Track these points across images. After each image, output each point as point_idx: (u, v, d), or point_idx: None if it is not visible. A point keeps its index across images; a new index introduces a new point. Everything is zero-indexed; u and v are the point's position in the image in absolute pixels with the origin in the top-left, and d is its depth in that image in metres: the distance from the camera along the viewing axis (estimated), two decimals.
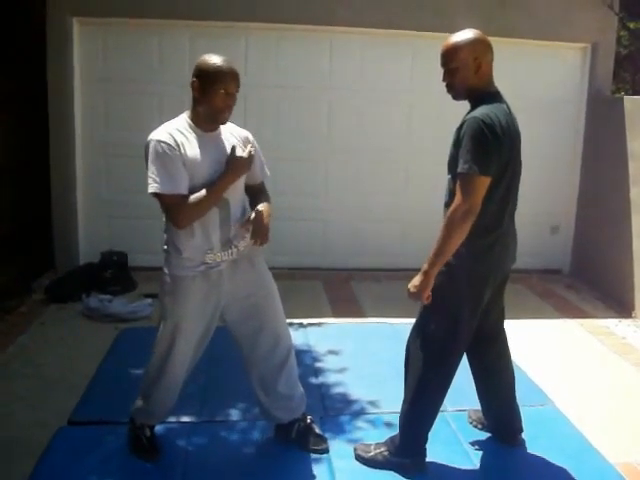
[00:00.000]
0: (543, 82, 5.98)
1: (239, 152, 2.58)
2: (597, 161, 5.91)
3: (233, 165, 2.54)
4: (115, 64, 5.60)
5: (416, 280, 2.59)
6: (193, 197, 2.51)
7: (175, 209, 2.51)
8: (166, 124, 2.58)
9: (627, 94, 7.86)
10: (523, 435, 3.10)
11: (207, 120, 2.58)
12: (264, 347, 2.84)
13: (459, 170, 2.50)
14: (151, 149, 2.50)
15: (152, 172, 2.49)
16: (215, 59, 2.53)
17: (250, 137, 2.79)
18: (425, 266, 2.56)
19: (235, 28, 5.59)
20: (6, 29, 5.88)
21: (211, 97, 2.51)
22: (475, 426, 3.22)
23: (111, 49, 5.59)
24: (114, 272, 5.30)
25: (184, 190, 2.51)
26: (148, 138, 2.54)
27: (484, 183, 2.49)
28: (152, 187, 2.49)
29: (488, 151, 2.47)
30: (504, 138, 2.51)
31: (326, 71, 5.80)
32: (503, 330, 3.01)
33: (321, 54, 5.77)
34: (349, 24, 5.61)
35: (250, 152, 2.59)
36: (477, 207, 2.49)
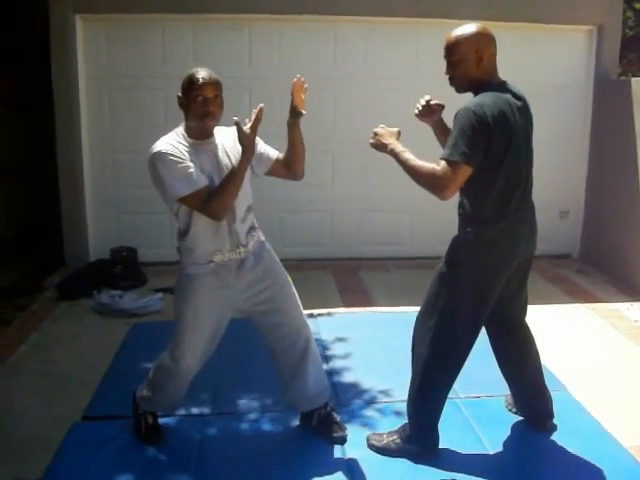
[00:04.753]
0: (549, 66, 5.93)
1: (244, 127, 2.54)
2: (605, 144, 5.88)
3: (244, 142, 2.53)
4: (119, 60, 5.60)
5: (385, 141, 2.69)
6: (219, 185, 2.55)
7: (206, 202, 2.52)
8: (162, 138, 2.61)
9: (634, 76, 7.79)
10: (555, 421, 3.11)
11: (196, 131, 2.61)
12: (285, 339, 2.89)
13: (441, 156, 2.52)
14: (156, 161, 2.53)
15: (167, 181, 2.52)
16: (194, 71, 2.58)
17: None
18: (395, 149, 2.66)
19: (238, 20, 5.57)
20: (9, 27, 5.90)
21: (191, 106, 2.56)
22: (510, 410, 3.24)
23: (114, 45, 5.58)
24: (124, 268, 5.33)
25: (204, 182, 2.54)
26: (150, 154, 2.56)
27: (464, 172, 2.49)
28: (176, 193, 2.52)
29: (473, 141, 2.46)
30: (495, 128, 2.47)
31: (330, 61, 5.78)
32: (524, 320, 2.99)
33: (325, 44, 5.75)
34: (351, 13, 5.59)
35: (253, 125, 2.55)
36: (450, 195, 2.52)
